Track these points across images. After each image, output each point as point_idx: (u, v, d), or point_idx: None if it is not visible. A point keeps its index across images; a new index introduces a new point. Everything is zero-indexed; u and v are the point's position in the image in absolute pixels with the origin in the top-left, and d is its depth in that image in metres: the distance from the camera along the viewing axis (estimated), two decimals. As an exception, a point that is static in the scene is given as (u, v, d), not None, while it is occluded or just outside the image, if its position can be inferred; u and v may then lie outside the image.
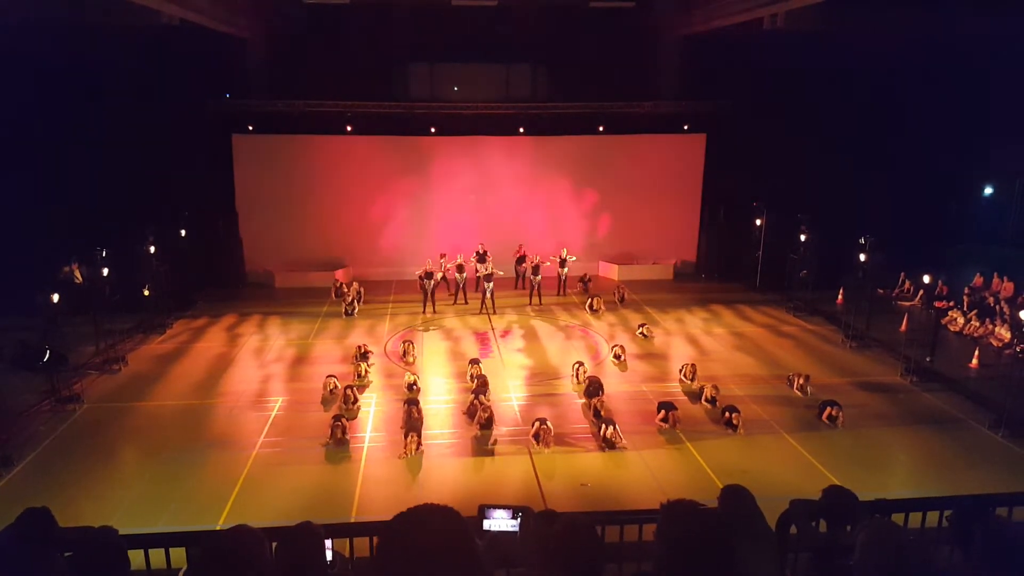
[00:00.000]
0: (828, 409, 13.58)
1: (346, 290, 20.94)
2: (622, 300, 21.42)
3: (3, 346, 15.48)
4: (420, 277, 20.26)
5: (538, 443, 12.40)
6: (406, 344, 16.83)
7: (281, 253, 23.76)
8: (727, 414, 13.39)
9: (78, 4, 17.10)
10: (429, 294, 20.31)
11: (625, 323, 19.74)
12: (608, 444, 12.55)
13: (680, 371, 15.59)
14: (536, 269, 21.07)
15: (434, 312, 20.41)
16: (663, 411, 13.22)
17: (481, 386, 14.20)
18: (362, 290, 21.07)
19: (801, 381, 14.96)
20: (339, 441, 12.67)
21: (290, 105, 22.20)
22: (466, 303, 21.24)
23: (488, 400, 13.70)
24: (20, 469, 11.80)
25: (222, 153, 22.87)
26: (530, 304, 21.40)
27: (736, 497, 3.55)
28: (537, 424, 12.49)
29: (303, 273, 23.36)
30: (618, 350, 16.78)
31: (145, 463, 12.10)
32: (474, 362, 15.47)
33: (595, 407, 13.68)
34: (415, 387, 14.42)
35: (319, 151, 23.51)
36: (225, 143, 22.89)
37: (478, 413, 13.11)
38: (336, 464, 12.24)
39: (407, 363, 16.34)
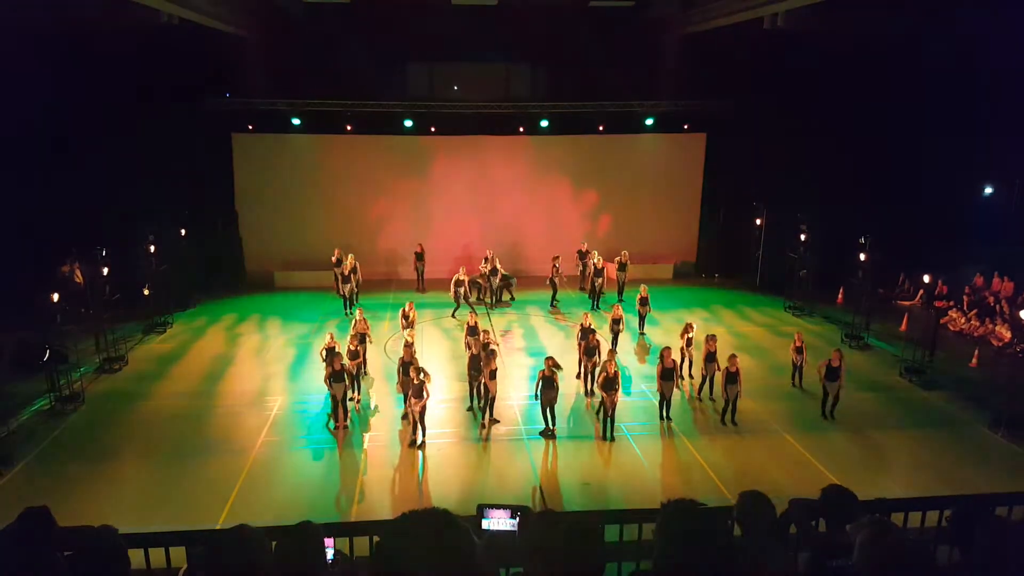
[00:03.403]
0: (833, 355, 13.77)
1: (344, 259, 20.63)
2: (623, 268, 21.42)
3: (3, 345, 15.47)
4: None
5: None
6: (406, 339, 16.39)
7: (281, 253, 23.76)
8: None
9: (77, 4, 17.05)
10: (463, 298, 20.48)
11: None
12: (609, 389, 12.73)
13: (684, 333, 15.71)
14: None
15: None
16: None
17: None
18: (357, 264, 20.47)
19: (802, 335, 15.44)
20: (335, 373, 12.91)
21: (290, 104, 22.19)
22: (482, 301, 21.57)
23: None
24: (20, 468, 11.81)
25: (222, 152, 22.87)
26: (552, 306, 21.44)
27: (755, 503, 3.42)
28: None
29: (303, 272, 23.36)
30: (616, 314, 16.91)
31: (145, 462, 12.11)
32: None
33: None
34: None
35: (319, 150, 23.50)
36: (225, 142, 22.89)
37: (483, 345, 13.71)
38: (336, 463, 12.25)
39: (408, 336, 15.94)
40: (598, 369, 13.97)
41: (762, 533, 3.18)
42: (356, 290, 20.45)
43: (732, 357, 13.41)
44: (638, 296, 18.52)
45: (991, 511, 4.39)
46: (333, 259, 21.53)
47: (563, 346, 17.85)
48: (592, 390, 14.28)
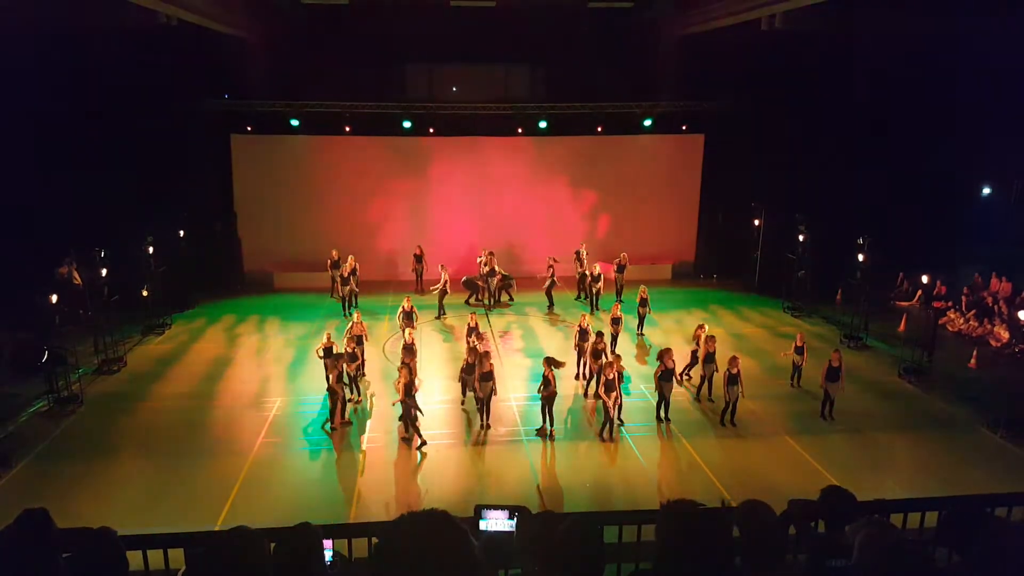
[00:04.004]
0: (832, 356, 13.78)
1: (344, 260, 20.53)
2: (621, 270, 21.30)
3: (2, 347, 15.47)
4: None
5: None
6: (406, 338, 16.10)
7: (280, 253, 23.75)
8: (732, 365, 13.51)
9: (76, 5, 17.06)
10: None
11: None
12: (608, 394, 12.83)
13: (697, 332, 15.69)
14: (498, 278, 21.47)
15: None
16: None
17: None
18: (357, 266, 20.30)
19: (804, 335, 15.57)
20: (338, 376, 13.11)
21: (289, 106, 22.19)
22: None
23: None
24: (18, 470, 11.80)
25: (221, 154, 22.85)
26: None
27: (756, 514, 3.31)
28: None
29: (302, 273, 23.35)
30: (615, 314, 16.94)
31: (143, 464, 12.09)
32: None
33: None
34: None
35: (318, 151, 23.49)
36: (224, 143, 22.87)
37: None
38: (335, 464, 12.24)
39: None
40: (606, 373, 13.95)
41: (763, 543, 3.16)
42: (355, 292, 20.40)
43: (733, 359, 13.41)
44: (638, 297, 18.53)
45: (990, 512, 4.39)
46: (329, 261, 21.46)
47: (562, 347, 17.85)
48: (597, 393, 14.13)
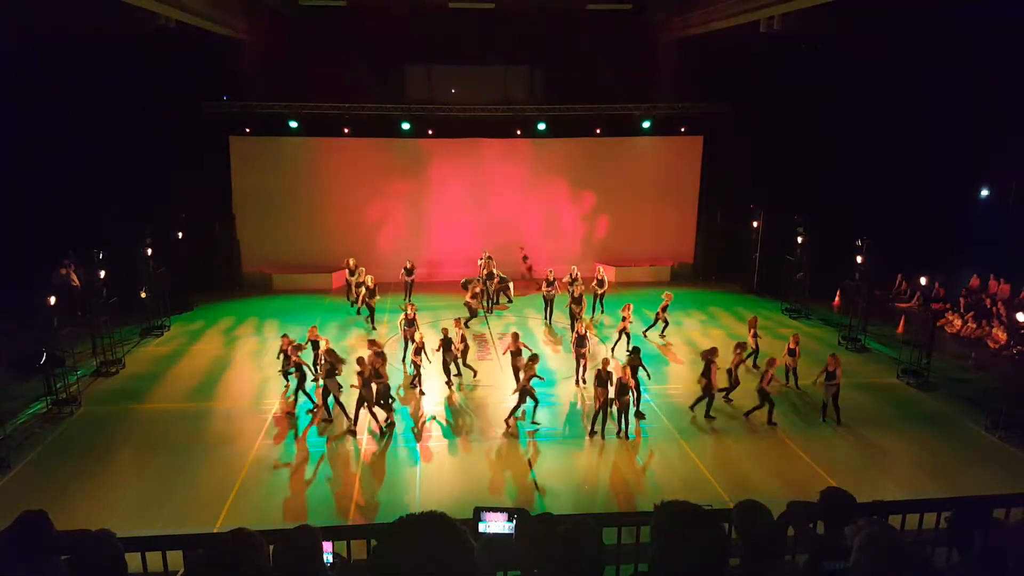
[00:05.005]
0: (828, 360, 13.78)
1: (356, 269, 20.50)
2: (601, 284, 20.79)
3: (0, 349, 15.44)
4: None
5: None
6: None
7: (278, 255, 23.74)
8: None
9: (75, 7, 17.07)
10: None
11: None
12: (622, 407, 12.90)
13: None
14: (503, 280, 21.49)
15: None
16: None
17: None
18: (370, 277, 19.64)
19: (799, 337, 15.71)
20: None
21: (287, 107, 22.20)
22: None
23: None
24: (17, 472, 11.77)
25: (219, 155, 22.83)
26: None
27: (753, 514, 3.33)
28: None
29: (300, 275, 23.34)
30: (624, 314, 16.92)
31: (142, 465, 12.08)
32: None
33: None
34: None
35: (316, 153, 23.49)
36: (222, 145, 22.85)
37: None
38: (334, 466, 12.23)
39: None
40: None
41: (760, 544, 3.16)
42: (357, 304, 20.21)
43: (771, 360, 13.66)
44: (661, 304, 18.37)
45: (988, 513, 4.40)
46: (346, 269, 21.25)
47: (561, 349, 17.87)
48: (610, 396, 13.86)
